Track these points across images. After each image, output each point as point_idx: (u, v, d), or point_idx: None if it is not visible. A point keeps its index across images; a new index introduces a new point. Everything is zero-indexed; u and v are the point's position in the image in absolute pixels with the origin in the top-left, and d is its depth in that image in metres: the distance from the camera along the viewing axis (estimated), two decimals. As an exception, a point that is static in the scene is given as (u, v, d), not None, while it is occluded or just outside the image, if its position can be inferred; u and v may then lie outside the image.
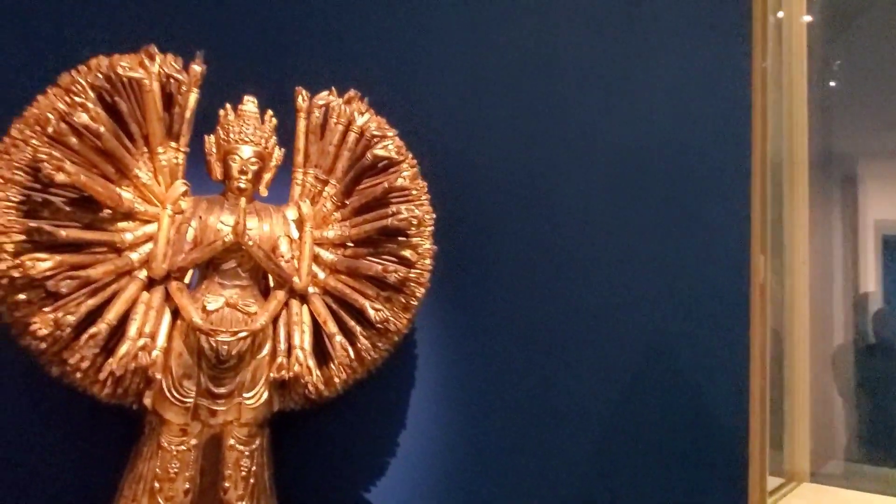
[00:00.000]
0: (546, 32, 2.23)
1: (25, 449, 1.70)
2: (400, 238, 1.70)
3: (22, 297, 1.41)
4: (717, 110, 2.17)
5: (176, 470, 1.49)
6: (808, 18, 2.31)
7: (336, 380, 1.66)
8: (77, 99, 1.45)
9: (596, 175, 2.27)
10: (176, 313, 1.54)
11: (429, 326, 2.03)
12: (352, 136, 1.73)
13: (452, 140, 2.11)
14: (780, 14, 2.19)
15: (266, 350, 1.59)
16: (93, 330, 1.44)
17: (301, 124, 1.72)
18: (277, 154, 1.69)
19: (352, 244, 1.71)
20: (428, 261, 1.75)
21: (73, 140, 1.45)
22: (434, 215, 1.77)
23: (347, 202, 1.72)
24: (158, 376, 1.49)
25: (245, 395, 1.56)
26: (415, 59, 2.10)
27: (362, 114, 1.74)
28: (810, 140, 2.22)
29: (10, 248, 1.39)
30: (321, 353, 1.65)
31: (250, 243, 1.57)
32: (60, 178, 1.40)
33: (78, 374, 1.47)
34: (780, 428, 2.14)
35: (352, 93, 1.75)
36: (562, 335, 2.20)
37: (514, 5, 2.19)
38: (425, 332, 2.03)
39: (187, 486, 1.50)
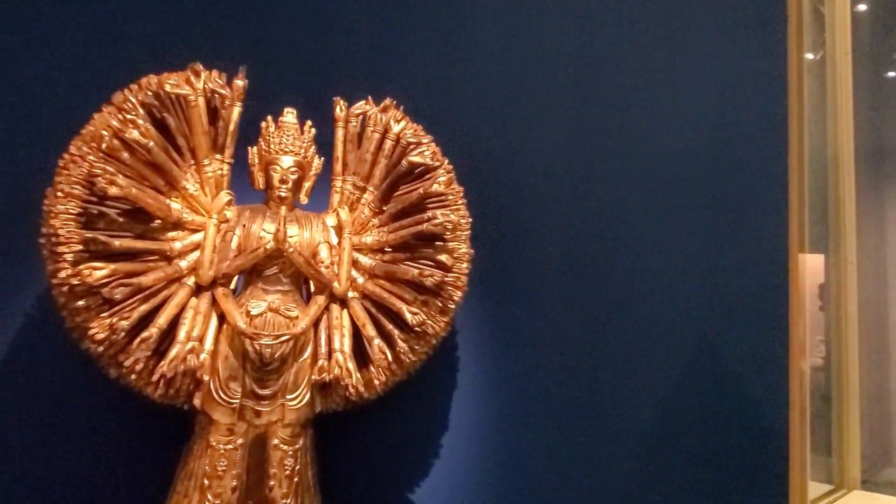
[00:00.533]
0: (583, 34, 2.23)
1: (89, 447, 1.80)
2: (437, 243, 1.73)
3: (81, 303, 1.51)
4: (753, 105, 2.14)
5: (224, 468, 1.56)
6: (862, 7, 2.24)
7: (376, 382, 1.70)
8: (128, 116, 1.54)
9: (634, 175, 2.25)
10: (222, 318, 1.60)
11: (469, 329, 2.05)
12: (388, 144, 1.77)
13: (491, 144, 2.13)
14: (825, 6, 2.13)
15: (308, 353, 1.65)
16: (145, 334, 1.52)
17: (339, 133, 1.77)
18: (317, 163, 1.75)
19: (389, 249, 1.75)
20: (465, 265, 1.77)
21: (126, 155, 1.53)
22: (470, 219, 1.80)
23: (385, 208, 1.76)
24: (206, 378, 1.57)
25: (288, 396, 1.61)
26: (452, 65, 2.13)
27: (398, 121, 1.78)
28: (861, 134, 2.15)
29: (69, 257, 1.48)
30: (361, 355, 1.70)
31: (291, 250, 1.62)
32: (113, 191, 1.48)
33: (133, 376, 1.56)
34: (830, 433, 2.07)
35: (388, 101, 1.79)
36: (603, 337, 2.20)
37: (550, 8, 2.20)
38: (465, 335, 2.05)
39: (235, 483, 1.57)
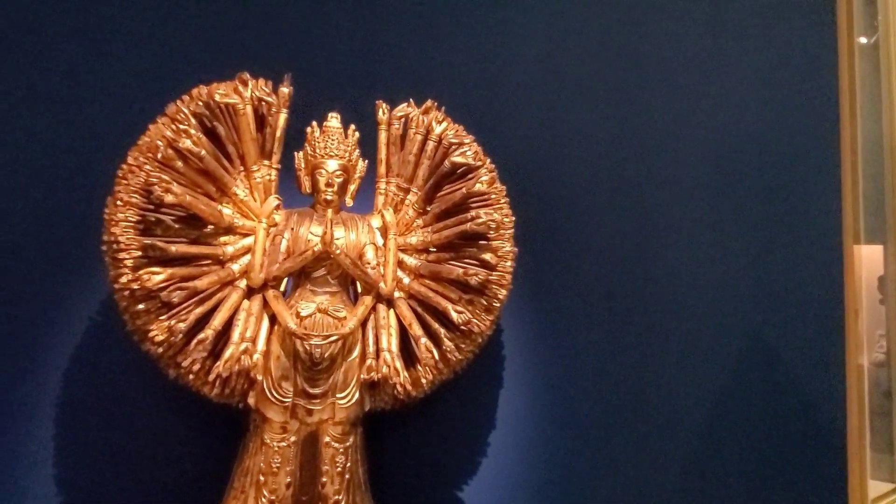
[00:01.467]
0: (625, 24, 2.21)
1: (151, 444, 1.88)
2: (480, 242, 1.75)
3: (141, 307, 1.58)
4: (803, 92, 2.08)
5: (278, 465, 1.61)
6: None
7: (423, 380, 1.73)
8: (181, 126, 1.60)
9: (681, 167, 2.22)
10: (273, 319, 1.65)
11: (514, 327, 2.06)
12: (430, 145, 1.79)
13: (533, 141, 2.13)
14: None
15: (356, 353, 1.68)
16: (201, 335, 1.58)
17: (382, 136, 1.80)
18: (361, 166, 1.78)
19: (434, 249, 1.77)
20: (509, 263, 1.78)
21: (179, 164, 1.59)
22: (514, 218, 1.80)
23: (429, 209, 1.79)
24: (259, 378, 1.61)
25: (338, 395, 1.65)
26: (492, 64, 2.14)
27: (440, 122, 1.80)
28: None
29: (129, 263, 1.55)
30: (408, 354, 1.72)
31: (338, 252, 1.66)
32: (169, 198, 1.55)
33: (190, 376, 1.62)
34: (892, 431, 2.00)
35: (429, 103, 1.81)
36: (651, 333, 2.17)
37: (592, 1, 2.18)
38: (511, 333, 2.06)
39: (289, 479, 1.62)
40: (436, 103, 1.82)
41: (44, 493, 1.85)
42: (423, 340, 1.71)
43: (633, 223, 2.17)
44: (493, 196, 1.77)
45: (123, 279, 1.55)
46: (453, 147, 1.77)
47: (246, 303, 1.65)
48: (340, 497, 1.64)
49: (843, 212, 1.69)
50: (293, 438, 1.63)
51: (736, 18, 2.16)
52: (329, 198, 1.71)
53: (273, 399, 1.62)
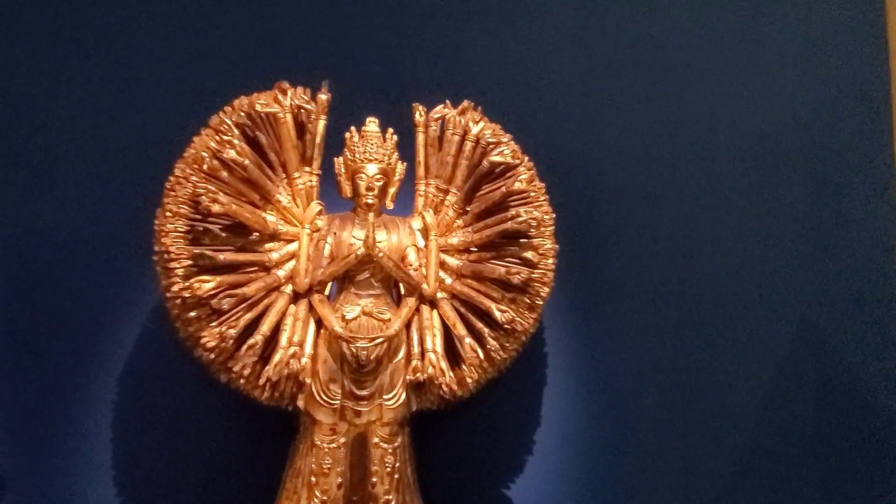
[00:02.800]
0: (662, 13, 2.18)
1: (204, 448, 1.94)
2: (521, 240, 1.75)
3: (192, 314, 1.62)
4: (851, 74, 2.02)
5: (329, 465, 1.64)
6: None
7: (468, 380, 1.74)
8: (225, 137, 1.64)
9: (726, 158, 2.19)
10: (319, 323, 1.68)
11: (558, 324, 2.05)
12: (468, 145, 1.79)
13: (572, 135, 2.13)
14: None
15: (401, 354, 1.70)
16: (251, 341, 1.62)
17: (420, 138, 1.81)
18: (400, 168, 1.80)
19: (475, 249, 1.77)
20: (550, 260, 1.77)
21: (224, 174, 1.63)
22: (554, 215, 1.80)
23: (468, 209, 1.79)
24: (308, 381, 1.65)
25: (385, 396, 1.67)
26: (526, 61, 2.14)
27: (476, 123, 1.80)
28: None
29: (180, 272, 1.60)
30: (452, 355, 1.73)
31: (380, 255, 1.68)
32: (216, 208, 1.59)
33: (241, 381, 1.66)
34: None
35: (465, 104, 1.82)
36: (699, 327, 2.15)
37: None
38: (554, 331, 2.06)
39: (339, 480, 1.65)
40: (472, 104, 1.82)
41: (101, 497, 1.92)
42: (468, 340, 1.72)
43: (676, 216, 2.14)
44: (533, 194, 1.77)
45: (175, 288, 1.60)
46: (491, 146, 1.78)
47: (292, 307, 1.68)
48: (390, 497, 1.66)
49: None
50: (342, 440, 1.66)
51: (776, 2, 2.11)
52: (370, 201, 1.73)
53: (322, 401, 1.65)
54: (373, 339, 1.64)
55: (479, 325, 1.74)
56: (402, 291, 1.76)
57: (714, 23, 2.18)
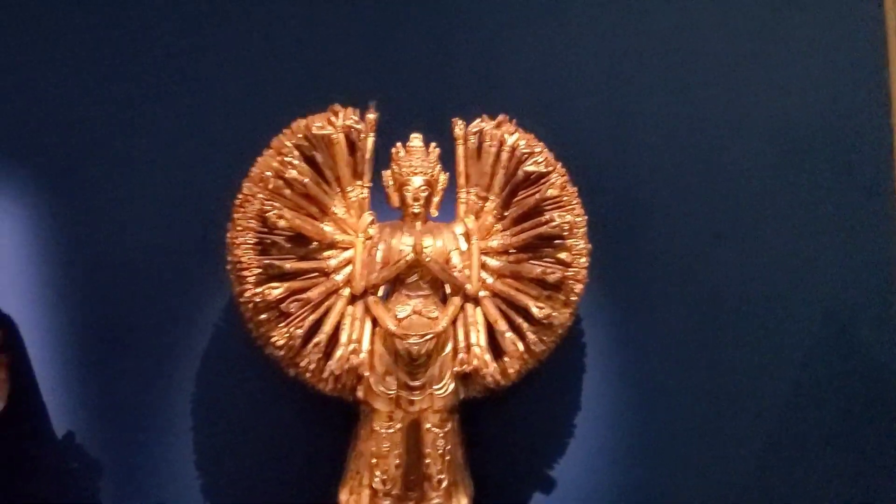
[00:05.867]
0: (683, 17, 2.27)
1: (275, 435, 2.15)
2: (556, 242, 1.89)
3: (263, 316, 1.83)
4: (875, 70, 2.10)
5: (387, 448, 1.83)
6: None
7: (510, 370, 1.90)
8: (286, 158, 1.83)
9: (754, 154, 2.29)
10: (375, 322, 1.86)
11: (593, 317, 2.19)
12: (504, 156, 1.94)
13: (601, 139, 2.25)
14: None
15: (449, 348, 1.87)
16: (315, 339, 1.82)
17: (460, 150, 1.97)
18: (443, 179, 1.95)
19: (514, 251, 1.93)
20: (583, 259, 1.92)
21: (287, 191, 1.83)
22: (586, 217, 1.93)
23: (506, 214, 1.94)
24: (366, 374, 1.83)
25: (435, 386, 1.85)
26: (557, 69, 2.26)
27: (512, 134, 1.94)
28: None
29: (252, 279, 1.80)
30: (495, 348, 1.90)
31: (428, 259, 1.85)
32: (281, 223, 1.78)
33: (307, 375, 1.86)
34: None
35: (501, 117, 1.96)
36: (730, 316, 2.26)
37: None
38: (591, 323, 2.20)
39: (397, 461, 1.83)
40: (507, 116, 1.96)
41: (182, 488, 2.15)
42: (508, 335, 1.88)
43: (703, 208, 2.25)
44: (566, 198, 1.91)
45: (247, 294, 1.81)
46: (525, 156, 1.92)
47: (350, 308, 1.87)
48: (443, 476, 1.85)
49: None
50: (399, 426, 1.84)
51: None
52: (416, 211, 1.90)
53: (379, 392, 1.84)
54: (423, 336, 1.82)
55: (519, 320, 1.90)
56: (448, 291, 1.92)
57: (740, 20, 2.27)
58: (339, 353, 1.82)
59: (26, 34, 2.16)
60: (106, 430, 2.16)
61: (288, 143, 1.85)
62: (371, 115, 1.91)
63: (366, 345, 1.85)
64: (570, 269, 1.89)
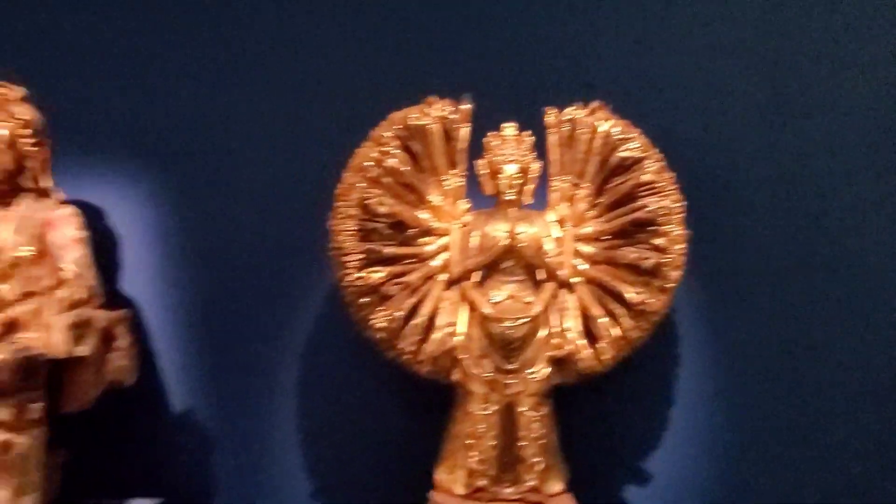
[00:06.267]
0: (787, 8, 2.22)
1: (374, 417, 2.25)
2: (651, 228, 1.88)
3: (364, 300, 1.91)
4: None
5: (483, 430, 1.87)
6: None
7: (604, 357, 1.90)
8: (385, 148, 1.91)
9: (851, 141, 2.21)
10: (471, 307, 1.91)
11: (690, 306, 2.17)
12: (598, 142, 1.94)
13: (702, 124, 2.22)
14: None
15: (543, 333, 1.90)
16: (414, 322, 1.89)
17: (553, 138, 1.99)
18: (536, 167, 1.98)
19: (608, 237, 1.93)
20: (680, 246, 1.89)
21: (386, 179, 1.90)
22: (684, 203, 1.91)
23: (600, 200, 1.95)
24: (462, 356, 1.89)
25: (529, 370, 1.88)
26: (653, 56, 2.25)
27: (606, 120, 1.95)
28: None
29: (354, 264, 1.89)
30: (589, 334, 1.91)
31: (522, 245, 1.88)
32: (382, 209, 1.86)
33: (406, 356, 1.93)
34: None
35: (595, 104, 1.97)
36: (831, 308, 2.19)
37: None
38: (686, 312, 2.17)
39: (493, 443, 1.87)
40: (601, 103, 1.96)
41: (286, 465, 2.27)
42: (603, 320, 1.89)
43: (801, 199, 2.18)
44: (661, 184, 1.89)
45: (349, 278, 1.90)
46: (619, 142, 1.92)
47: (447, 293, 1.93)
48: (537, 459, 1.87)
49: None
50: (494, 408, 1.88)
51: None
52: (510, 198, 1.93)
53: (475, 375, 1.89)
54: (517, 319, 1.85)
55: (614, 306, 1.90)
56: (542, 277, 1.95)
57: (839, 7, 2.19)
58: (436, 335, 1.87)
59: (164, 47, 2.32)
60: (215, 407, 2.30)
61: (386, 134, 1.92)
62: (465, 106, 1.96)
63: (462, 328, 1.90)
64: (667, 256, 1.87)
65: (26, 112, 1.95)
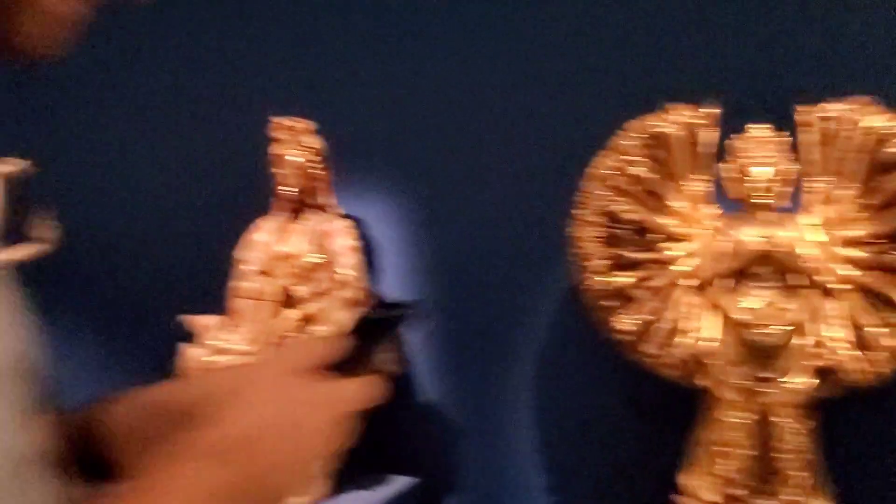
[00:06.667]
0: None
1: (614, 420, 2.29)
2: (932, 229, 1.72)
3: (607, 304, 1.97)
4: None
5: (738, 438, 1.83)
6: None
7: (875, 368, 1.76)
8: (626, 157, 1.96)
9: None
10: (720, 312, 1.89)
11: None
12: (859, 139, 1.82)
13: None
14: None
15: (801, 341, 1.81)
16: (659, 325, 1.91)
17: (808, 137, 1.89)
18: (787, 168, 1.90)
19: (882, 240, 1.79)
20: (970, 247, 1.70)
21: (629, 187, 1.95)
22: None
23: (866, 201, 1.82)
24: (712, 362, 1.86)
25: (787, 379, 1.80)
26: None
27: (869, 116, 1.81)
28: None
29: (598, 269, 1.96)
30: (857, 343, 1.78)
31: (778, 250, 1.82)
32: (629, 216, 1.92)
33: (650, 360, 1.96)
34: None
35: (857, 98, 1.84)
36: None
37: None
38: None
39: (745, 452, 1.82)
40: (866, 97, 1.84)
41: (525, 464, 2.38)
42: (873, 329, 1.75)
43: None
44: (942, 181, 1.72)
45: (593, 282, 1.97)
46: (887, 138, 1.78)
47: (694, 298, 1.92)
48: (798, 473, 1.78)
49: None
50: (745, 416, 1.83)
51: None
52: (760, 202, 1.88)
53: (726, 381, 1.85)
54: (773, 327, 1.79)
55: (887, 314, 1.75)
56: (796, 282, 1.86)
57: None
58: (684, 339, 1.88)
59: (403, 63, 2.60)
60: (461, 403, 2.50)
61: (627, 143, 1.98)
62: (711, 110, 1.94)
63: (710, 334, 1.88)
64: (955, 258, 1.69)
65: (315, 142, 2.31)
